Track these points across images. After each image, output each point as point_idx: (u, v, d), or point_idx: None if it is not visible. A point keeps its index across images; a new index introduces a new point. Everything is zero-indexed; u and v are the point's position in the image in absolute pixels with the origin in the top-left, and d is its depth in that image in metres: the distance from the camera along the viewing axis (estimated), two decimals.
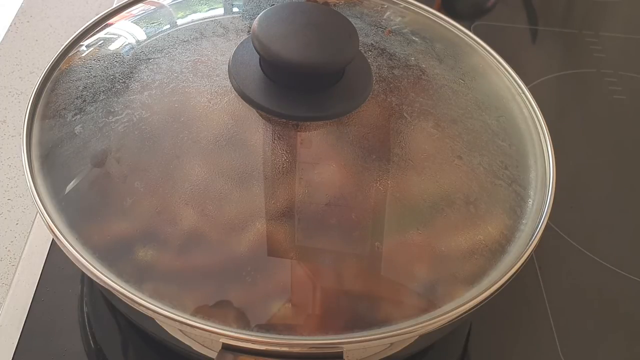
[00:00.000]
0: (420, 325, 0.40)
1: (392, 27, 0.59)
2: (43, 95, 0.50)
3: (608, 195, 0.66)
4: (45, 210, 0.43)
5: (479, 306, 0.41)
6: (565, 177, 0.67)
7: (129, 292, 0.39)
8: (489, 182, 0.52)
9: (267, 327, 0.40)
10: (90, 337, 0.50)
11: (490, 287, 0.42)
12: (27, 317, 0.50)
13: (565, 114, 0.75)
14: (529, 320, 0.54)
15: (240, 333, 0.37)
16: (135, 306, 0.39)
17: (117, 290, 0.39)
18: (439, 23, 0.60)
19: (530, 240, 0.45)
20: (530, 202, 0.48)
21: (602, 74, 0.79)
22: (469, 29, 0.78)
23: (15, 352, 0.48)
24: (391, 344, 0.40)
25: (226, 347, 0.37)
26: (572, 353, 0.52)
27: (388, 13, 0.60)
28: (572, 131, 0.73)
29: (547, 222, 0.60)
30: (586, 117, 0.76)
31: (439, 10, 0.60)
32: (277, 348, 0.38)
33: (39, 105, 0.49)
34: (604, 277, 0.58)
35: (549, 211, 0.46)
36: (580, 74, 0.80)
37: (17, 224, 0.56)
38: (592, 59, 0.81)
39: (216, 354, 0.37)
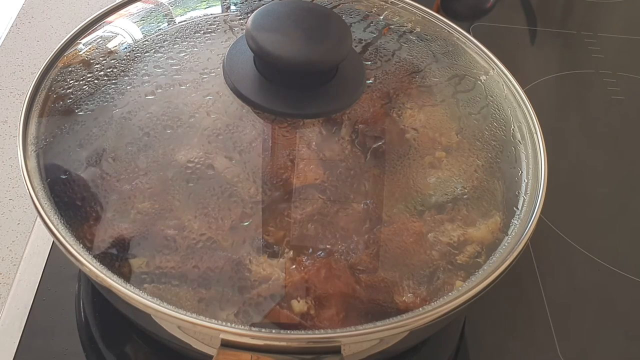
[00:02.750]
0: (419, 317, 0.40)
1: (390, 26, 0.59)
2: (39, 93, 0.50)
3: (606, 195, 0.67)
4: (42, 208, 0.43)
5: (474, 299, 0.41)
6: (563, 177, 0.67)
7: (128, 290, 0.39)
8: (482, 179, 0.52)
9: (266, 324, 0.41)
10: (88, 337, 0.50)
11: (483, 282, 0.43)
12: (28, 317, 0.50)
13: (564, 114, 0.76)
14: (527, 319, 0.55)
15: (239, 329, 0.37)
16: (136, 304, 0.39)
17: (117, 289, 0.39)
18: (436, 23, 0.60)
19: (521, 237, 0.45)
20: (523, 199, 0.49)
21: (601, 75, 0.79)
22: (468, 30, 0.79)
23: (16, 351, 0.48)
24: (388, 337, 0.40)
25: (225, 344, 0.37)
26: (570, 351, 0.52)
27: (386, 12, 0.61)
28: (571, 131, 0.73)
29: (547, 223, 0.60)
30: (585, 117, 0.76)
31: (437, 12, 0.60)
32: (277, 343, 0.38)
33: (35, 104, 0.49)
34: (602, 276, 0.58)
35: (541, 206, 0.47)
36: (579, 75, 0.80)
37: (18, 223, 0.57)
38: (590, 59, 0.81)
39: (216, 351, 0.37)
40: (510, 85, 0.55)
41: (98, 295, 0.52)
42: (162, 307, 0.39)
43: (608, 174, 0.69)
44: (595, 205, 0.65)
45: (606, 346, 0.54)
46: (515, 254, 0.43)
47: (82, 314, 0.51)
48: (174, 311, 0.38)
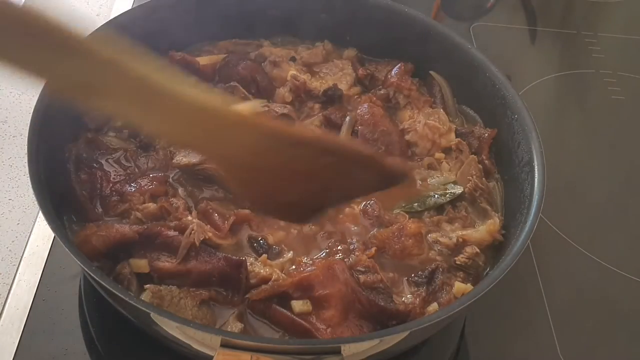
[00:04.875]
0: (412, 325, 0.41)
1: None
2: (48, 99, 0.49)
3: (607, 195, 0.67)
4: (46, 210, 0.43)
5: (474, 299, 0.41)
6: (563, 177, 0.67)
7: (130, 300, 0.39)
8: (481, 180, 0.52)
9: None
10: (89, 337, 0.50)
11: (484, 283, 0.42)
12: (28, 317, 0.50)
13: (564, 114, 0.75)
14: (527, 319, 0.54)
15: (239, 337, 0.38)
16: (137, 312, 0.39)
17: (120, 296, 0.39)
18: None
19: (521, 239, 0.45)
20: (523, 200, 0.49)
21: (601, 75, 0.79)
22: (468, 30, 0.79)
23: (16, 351, 0.48)
24: (389, 338, 0.40)
25: (225, 344, 0.37)
26: (571, 351, 0.52)
27: None
28: (572, 131, 0.73)
29: (547, 223, 0.60)
30: (585, 117, 0.76)
31: (437, 11, 0.60)
32: (277, 345, 0.38)
33: (44, 109, 0.49)
34: (602, 277, 0.58)
35: (541, 206, 0.46)
36: (579, 75, 0.80)
37: (18, 223, 0.57)
38: (591, 59, 0.81)
39: (215, 351, 0.37)
40: (509, 87, 0.55)
41: (99, 296, 0.51)
42: (166, 313, 0.39)
43: (608, 174, 0.69)
44: (595, 205, 0.65)
45: (606, 346, 0.54)
46: (515, 255, 0.43)
47: (85, 316, 0.51)
48: (177, 318, 0.39)
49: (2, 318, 0.50)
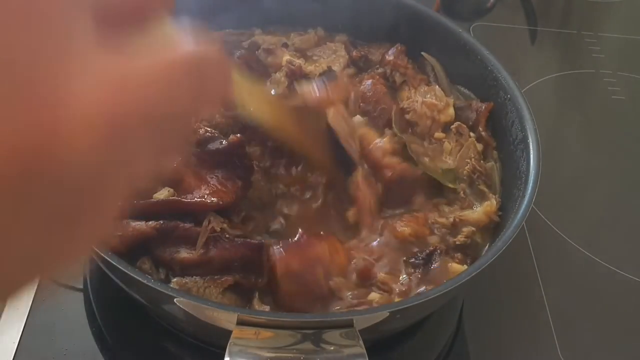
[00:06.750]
0: (416, 299, 0.41)
1: None
2: None
3: (607, 194, 0.67)
4: None
5: (472, 276, 0.42)
6: (564, 177, 0.67)
7: (154, 285, 0.39)
8: (479, 162, 0.53)
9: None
10: (100, 336, 0.50)
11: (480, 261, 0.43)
12: (27, 317, 0.50)
13: (564, 114, 0.76)
14: (527, 319, 0.54)
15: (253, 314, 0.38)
16: (162, 296, 0.40)
17: (143, 283, 0.39)
18: None
19: (515, 221, 0.45)
20: (519, 181, 0.49)
21: (601, 75, 0.79)
22: (468, 30, 0.79)
23: (16, 351, 0.48)
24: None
25: (241, 322, 0.37)
26: (571, 352, 0.52)
27: None
28: (572, 131, 0.73)
29: (547, 223, 0.60)
30: (585, 117, 0.76)
31: (437, 11, 0.60)
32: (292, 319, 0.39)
33: None
34: (602, 277, 0.58)
35: (538, 180, 0.47)
36: (579, 75, 0.80)
37: None
38: (591, 59, 0.81)
39: (234, 325, 0.37)
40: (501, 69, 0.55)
41: (109, 292, 0.51)
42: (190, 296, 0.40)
43: (608, 174, 0.69)
44: (596, 205, 0.65)
45: (606, 346, 0.54)
46: (516, 227, 0.44)
47: (93, 312, 0.51)
48: (200, 300, 0.40)
49: (2, 318, 0.50)
